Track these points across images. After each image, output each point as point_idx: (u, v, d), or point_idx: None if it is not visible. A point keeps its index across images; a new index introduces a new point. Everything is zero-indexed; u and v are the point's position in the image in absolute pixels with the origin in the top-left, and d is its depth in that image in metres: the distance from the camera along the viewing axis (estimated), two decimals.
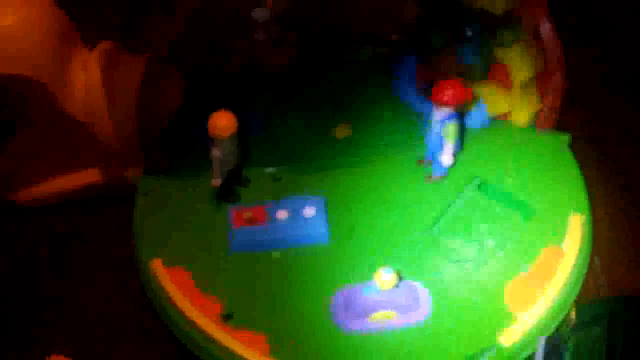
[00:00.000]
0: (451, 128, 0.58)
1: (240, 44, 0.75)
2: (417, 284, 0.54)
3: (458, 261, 0.56)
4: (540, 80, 0.65)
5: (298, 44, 0.76)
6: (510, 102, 0.65)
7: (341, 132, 0.67)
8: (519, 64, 0.65)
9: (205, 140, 0.59)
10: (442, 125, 0.58)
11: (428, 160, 0.63)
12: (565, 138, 0.67)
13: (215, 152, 0.57)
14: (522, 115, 0.67)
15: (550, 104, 0.65)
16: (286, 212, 0.58)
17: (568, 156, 0.65)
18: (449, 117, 0.58)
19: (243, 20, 0.74)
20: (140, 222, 0.60)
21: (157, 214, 0.61)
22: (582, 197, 0.61)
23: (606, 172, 0.73)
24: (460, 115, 0.62)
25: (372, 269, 0.52)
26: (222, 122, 0.56)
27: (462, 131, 0.65)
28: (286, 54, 0.75)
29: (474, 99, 0.66)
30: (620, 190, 0.73)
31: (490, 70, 0.64)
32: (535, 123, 0.68)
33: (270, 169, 0.64)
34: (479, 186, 0.61)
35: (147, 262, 0.56)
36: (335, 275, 0.55)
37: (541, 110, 0.66)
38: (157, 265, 0.56)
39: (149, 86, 0.63)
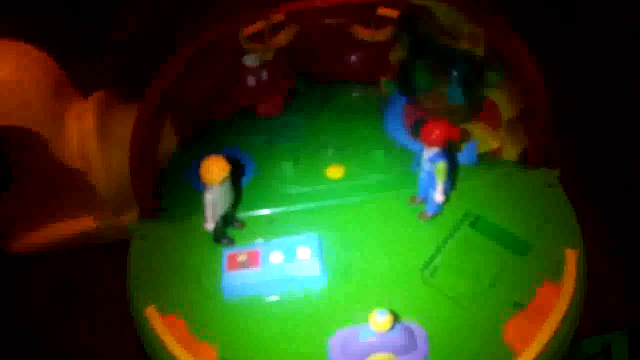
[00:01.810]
0: (441, 167, 0.58)
1: (233, 90, 0.76)
2: (414, 325, 0.53)
3: (455, 300, 0.56)
4: (527, 116, 0.66)
5: (289, 88, 0.77)
6: (500, 139, 0.67)
7: (334, 172, 0.67)
8: (505, 103, 0.66)
9: (199, 185, 0.59)
10: (432, 164, 0.58)
11: (420, 199, 0.63)
12: (554, 172, 0.67)
13: (208, 197, 0.57)
14: (511, 151, 0.68)
15: (537, 140, 0.66)
16: (281, 254, 0.58)
17: (559, 191, 0.66)
18: (439, 156, 0.58)
19: (235, 67, 0.76)
20: (134, 268, 0.59)
21: (152, 259, 0.60)
22: (575, 232, 0.62)
23: (588, 205, 0.73)
24: (451, 153, 0.62)
25: (368, 310, 0.51)
26: (214, 168, 0.56)
27: (454, 168, 0.65)
28: (277, 98, 0.77)
29: (465, 136, 0.66)
30: (601, 221, 0.73)
31: (482, 109, 0.66)
32: (525, 158, 0.68)
33: (263, 211, 0.64)
34: (472, 223, 0.61)
35: (141, 309, 0.56)
36: (331, 318, 0.54)
37: (530, 145, 0.67)
38: (151, 312, 0.55)
39: (143, 133, 0.63)
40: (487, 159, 0.67)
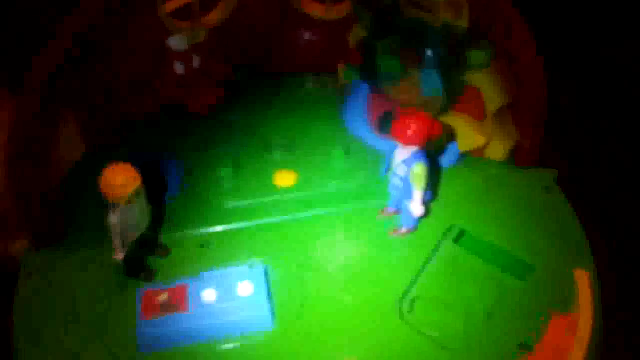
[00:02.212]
0: (419, 171, 0.49)
1: (156, 82, 0.65)
2: None
3: (440, 342, 0.47)
4: (516, 108, 0.57)
5: (227, 78, 0.67)
6: (486, 134, 0.58)
7: (283, 179, 0.59)
8: (491, 91, 0.56)
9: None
10: (408, 167, 0.50)
11: (392, 211, 0.55)
12: (550, 175, 0.58)
13: (113, 218, 0.47)
14: (498, 150, 0.59)
15: (531, 135, 0.56)
16: (215, 292, 0.49)
17: (558, 196, 0.57)
18: (416, 158, 0.49)
19: (158, 52, 0.64)
20: (20, 313, 0.50)
21: (45, 301, 0.51)
22: (583, 247, 0.53)
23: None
24: (429, 153, 0.51)
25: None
26: (118, 181, 0.45)
27: (433, 172, 0.54)
28: (212, 91, 0.66)
29: (447, 133, 0.55)
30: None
31: (460, 99, 0.57)
32: (515, 158, 0.59)
33: (194, 232, 0.55)
34: (456, 239, 0.54)
35: None
36: None
37: (522, 143, 0.57)
38: None
39: (30, 137, 0.50)
40: (471, 160, 0.59)
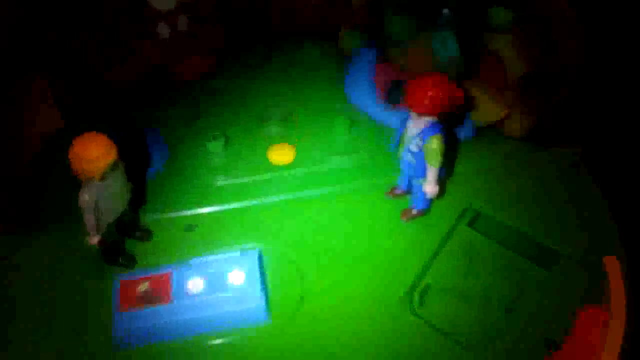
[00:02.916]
0: (436, 145, 0.44)
1: (139, 45, 0.60)
2: None
3: (455, 338, 0.43)
4: (543, 78, 0.52)
5: (219, 42, 0.62)
6: (506, 106, 0.53)
7: (279, 155, 0.54)
8: (514, 56, 0.51)
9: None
10: (421, 141, 0.44)
11: (402, 190, 0.50)
12: (575, 152, 0.54)
13: (83, 199, 0.41)
14: (520, 124, 0.54)
15: (558, 108, 0.51)
16: (202, 280, 0.44)
17: (584, 176, 0.52)
18: (432, 129, 0.44)
19: (140, 11, 0.59)
20: None
21: (14, 291, 0.46)
22: (612, 231, 0.48)
23: None
24: (445, 125, 0.45)
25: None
26: (90, 153, 0.40)
27: (449, 148, 0.50)
28: (202, 56, 0.61)
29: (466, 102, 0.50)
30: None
31: (478, 65, 0.53)
32: (537, 133, 0.54)
33: (180, 213, 0.50)
34: (472, 222, 0.50)
35: None
36: None
37: (546, 116, 0.53)
38: None
39: None
40: (489, 134, 0.55)
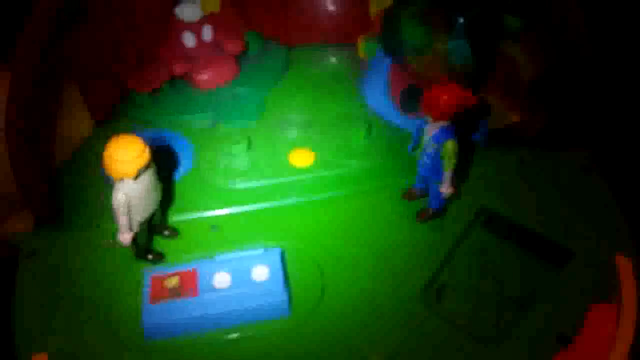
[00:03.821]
0: (452, 147, 0.46)
1: (164, 54, 0.62)
2: None
3: (471, 333, 0.44)
4: (553, 81, 0.52)
5: (240, 53, 0.64)
6: (520, 110, 0.55)
7: (300, 158, 0.55)
8: (526, 60, 0.52)
9: (108, 179, 0.45)
10: (438, 144, 0.46)
11: (419, 192, 0.51)
12: (587, 155, 0.55)
13: (118, 198, 0.43)
14: (532, 127, 0.55)
15: (569, 111, 0.52)
16: (228, 276, 0.46)
17: (596, 177, 0.53)
18: (447, 133, 0.46)
19: (166, 21, 0.61)
20: (21, 298, 0.47)
21: (46, 285, 0.48)
22: (624, 231, 0.49)
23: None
24: (460, 129, 0.47)
25: (350, 354, 0.41)
26: (125, 155, 0.41)
27: (463, 150, 0.50)
28: (225, 64, 0.62)
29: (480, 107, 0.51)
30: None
31: (493, 71, 0.54)
32: (549, 136, 0.55)
33: (205, 214, 0.52)
34: (486, 222, 0.51)
35: (27, 356, 0.43)
36: None
37: (557, 119, 0.54)
38: None
39: (31, 113, 0.48)
40: (502, 137, 0.56)
